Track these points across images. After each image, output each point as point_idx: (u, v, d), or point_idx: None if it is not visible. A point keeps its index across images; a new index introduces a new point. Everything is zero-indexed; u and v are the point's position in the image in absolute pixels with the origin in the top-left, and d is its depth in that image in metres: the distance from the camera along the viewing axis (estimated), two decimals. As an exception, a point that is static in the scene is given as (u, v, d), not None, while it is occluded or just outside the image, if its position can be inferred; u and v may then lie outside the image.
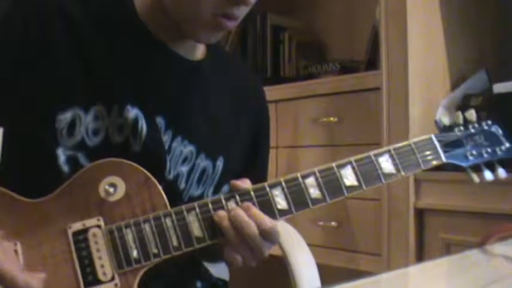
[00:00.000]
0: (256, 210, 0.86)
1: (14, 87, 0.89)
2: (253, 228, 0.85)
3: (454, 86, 1.97)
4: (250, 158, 1.10)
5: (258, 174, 1.07)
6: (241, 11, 0.92)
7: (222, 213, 0.86)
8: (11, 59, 0.89)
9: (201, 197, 1.01)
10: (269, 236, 0.86)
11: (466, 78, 1.96)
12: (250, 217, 0.85)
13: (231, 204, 0.87)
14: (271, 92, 2.21)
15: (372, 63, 2.16)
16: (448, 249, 1.74)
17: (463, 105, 1.86)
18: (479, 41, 2.06)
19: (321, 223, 2.11)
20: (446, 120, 1.02)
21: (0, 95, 0.88)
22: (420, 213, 1.84)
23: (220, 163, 1.03)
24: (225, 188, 1.05)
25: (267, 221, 0.86)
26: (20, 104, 0.89)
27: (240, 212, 0.85)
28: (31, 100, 0.89)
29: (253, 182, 0.91)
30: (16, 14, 0.91)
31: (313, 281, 1.28)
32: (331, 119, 2.12)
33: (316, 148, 2.19)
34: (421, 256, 1.82)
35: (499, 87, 1.80)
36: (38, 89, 0.89)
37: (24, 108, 0.89)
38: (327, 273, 1.40)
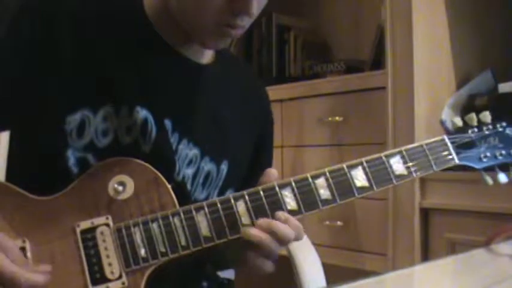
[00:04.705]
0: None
1: (22, 88, 0.89)
2: (291, 231, 0.86)
3: (459, 85, 1.97)
4: (254, 162, 1.10)
5: None
6: (245, 21, 0.92)
7: (254, 230, 0.85)
8: (19, 60, 0.89)
9: (205, 200, 1.01)
10: (300, 232, 0.88)
11: (471, 78, 1.96)
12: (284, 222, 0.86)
13: (240, 204, 0.86)
14: (277, 92, 2.22)
15: (377, 62, 2.17)
16: (453, 248, 1.74)
17: (468, 105, 1.86)
18: (484, 40, 2.06)
19: (327, 222, 2.11)
20: (459, 121, 1.01)
21: (10, 96, 0.89)
22: (425, 213, 1.84)
23: (224, 167, 1.03)
24: (229, 192, 1.05)
25: (295, 221, 0.87)
26: (29, 106, 0.90)
27: (277, 222, 0.86)
28: (39, 101, 0.89)
29: (257, 186, 0.91)
30: (24, 15, 0.91)
31: (318, 280, 1.28)
32: (337, 118, 2.12)
33: (322, 147, 2.19)
34: (426, 256, 1.82)
35: (504, 87, 1.80)
36: (46, 91, 0.90)
37: (33, 109, 0.89)
38: (332, 273, 1.40)
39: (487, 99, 1.84)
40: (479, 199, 1.65)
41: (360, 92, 2.07)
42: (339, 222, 2.09)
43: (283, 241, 0.86)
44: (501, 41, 2.10)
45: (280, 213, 0.86)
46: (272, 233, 0.85)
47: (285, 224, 0.85)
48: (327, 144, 2.17)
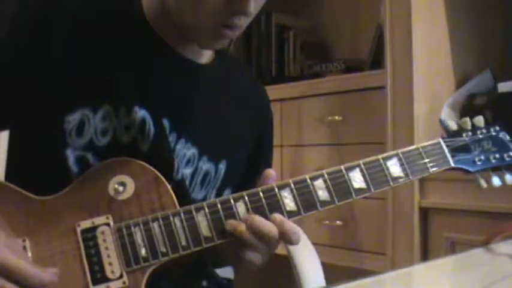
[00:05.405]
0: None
1: (22, 88, 0.89)
2: (273, 229, 0.85)
3: (459, 85, 1.97)
4: (253, 162, 1.10)
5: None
6: (242, 21, 0.92)
7: (233, 221, 0.86)
8: (19, 60, 0.89)
9: (203, 200, 1.00)
10: (292, 236, 0.87)
11: (470, 77, 1.96)
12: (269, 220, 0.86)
13: (240, 205, 0.87)
14: (276, 91, 2.22)
15: (376, 62, 2.17)
16: (453, 248, 1.74)
17: (467, 105, 1.87)
18: (483, 39, 2.06)
19: (326, 222, 2.11)
20: (453, 125, 1.02)
21: (8, 96, 0.89)
22: (425, 212, 1.84)
23: (222, 166, 1.03)
24: (227, 191, 1.05)
25: (290, 224, 0.87)
26: (28, 105, 0.90)
27: (257, 217, 0.86)
28: (39, 101, 0.89)
29: (256, 186, 0.91)
30: (23, 15, 0.91)
31: (317, 279, 1.29)
32: (336, 118, 2.12)
33: (321, 147, 2.19)
34: (425, 255, 1.83)
35: (504, 87, 1.80)
36: (45, 90, 0.90)
37: (32, 109, 0.89)
38: (331, 272, 1.41)
39: (486, 99, 1.84)
40: (478, 199, 1.65)
41: (359, 92, 2.08)
42: (338, 222, 2.09)
43: (261, 236, 0.85)
44: (501, 40, 2.10)
45: (276, 215, 0.87)
46: (249, 225, 0.85)
47: (265, 221, 0.86)
48: (326, 144, 2.17)
